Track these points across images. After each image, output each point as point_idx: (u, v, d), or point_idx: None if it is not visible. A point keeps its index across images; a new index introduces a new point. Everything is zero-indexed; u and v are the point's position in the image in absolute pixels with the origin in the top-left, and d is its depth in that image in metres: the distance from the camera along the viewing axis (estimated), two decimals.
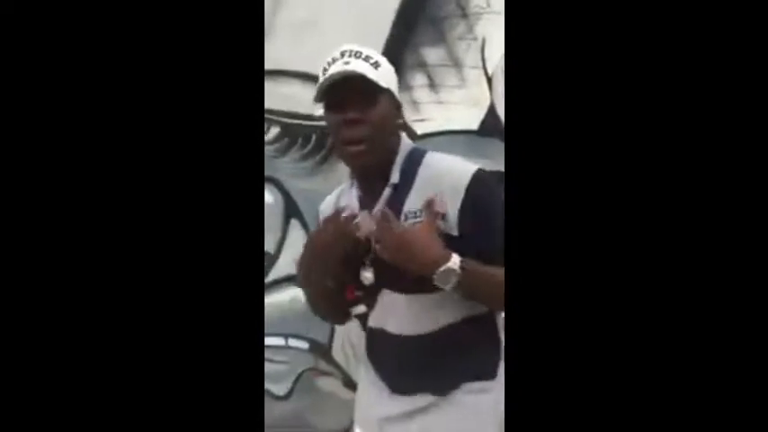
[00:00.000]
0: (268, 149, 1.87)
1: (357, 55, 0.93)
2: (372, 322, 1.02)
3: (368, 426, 1.07)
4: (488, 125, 1.76)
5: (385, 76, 0.93)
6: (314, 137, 1.83)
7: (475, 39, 1.75)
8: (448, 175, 0.94)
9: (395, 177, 0.96)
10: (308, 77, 1.79)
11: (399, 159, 0.97)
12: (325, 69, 0.94)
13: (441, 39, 1.76)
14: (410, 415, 0.99)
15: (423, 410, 0.98)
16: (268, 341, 1.96)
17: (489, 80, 1.76)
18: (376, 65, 0.93)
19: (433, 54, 1.76)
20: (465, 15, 1.75)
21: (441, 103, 1.78)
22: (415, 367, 0.99)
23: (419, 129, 1.79)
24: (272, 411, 2.00)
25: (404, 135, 1.02)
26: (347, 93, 0.91)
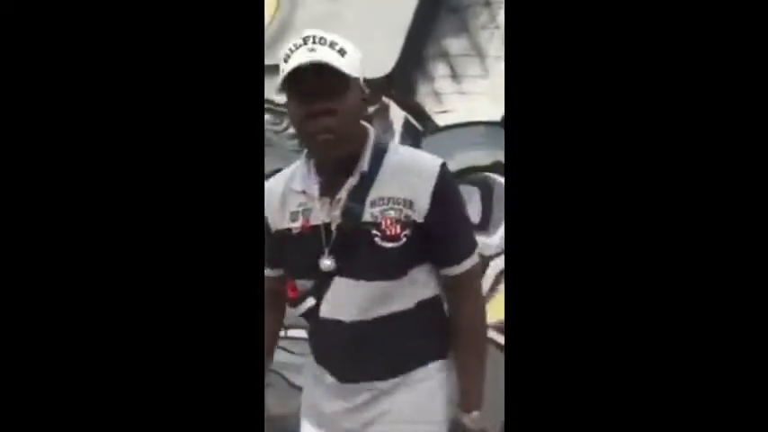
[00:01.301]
0: (290, 144, 1.87)
1: (322, 41, 0.89)
2: (325, 313, 1.00)
3: (321, 422, 1.07)
4: None
5: (352, 63, 0.90)
6: None
7: (498, 27, 1.71)
8: (416, 165, 0.96)
9: (364, 166, 0.96)
10: None
11: (368, 148, 0.97)
12: (287, 56, 0.90)
13: (463, 28, 1.73)
14: (365, 404, 1.00)
15: (377, 398, 1.00)
16: (289, 333, 1.98)
17: None
18: (342, 52, 0.89)
19: (455, 44, 1.73)
20: (488, 4, 1.71)
21: (463, 93, 1.75)
22: (371, 353, 0.99)
23: (441, 120, 1.77)
24: (293, 401, 2.01)
25: (369, 126, 1.01)
26: (314, 82, 0.87)
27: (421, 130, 1.76)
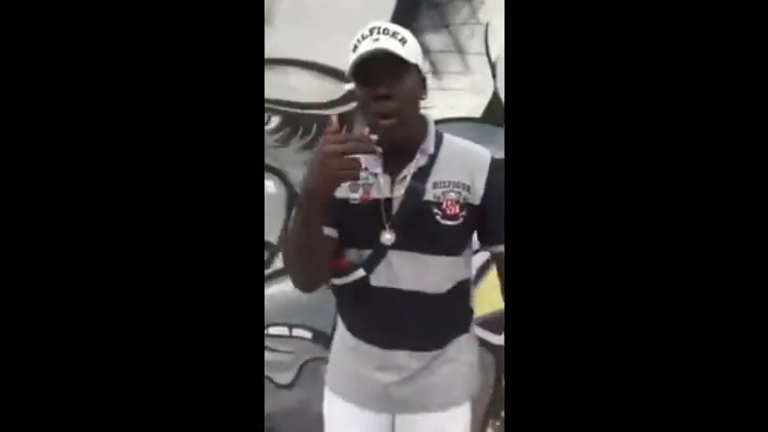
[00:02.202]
0: (269, 139, 1.85)
1: (385, 32, 0.98)
2: (380, 282, 1.07)
3: (356, 394, 1.13)
4: (492, 112, 1.74)
5: (411, 51, 0.99)
6: (315, 126, 1.81)
7: (478, 23, 1.72)
8: (472, 153, 1.09)
9: (430, 148, 1.06)
10: (310, 66, 1.76)
11: (431, 132, 1.08)
12: (355, 47, 0.99)
13: (444, 24, 1.73)
14: (411, 378, 1.09)
15: (421, 371, 1.09)
16: (272, 331, 1.96)
17: (493, 66, 1.74)
18: (403, 41, 0.98)
19: (435, 40, 1.73)
20: None
21: (444, 89, 1.75)
22: (418, 322, 1.08)
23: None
24: (276, 400, 2.00)
25: (428, 113, 1.09)
26: (377, 69, 0.96)
27: None
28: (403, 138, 1.03)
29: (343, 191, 1.05)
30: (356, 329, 1.15)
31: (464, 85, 1.74)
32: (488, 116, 1.75)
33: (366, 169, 1.04)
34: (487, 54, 1.73)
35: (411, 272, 1.06)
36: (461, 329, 1.17)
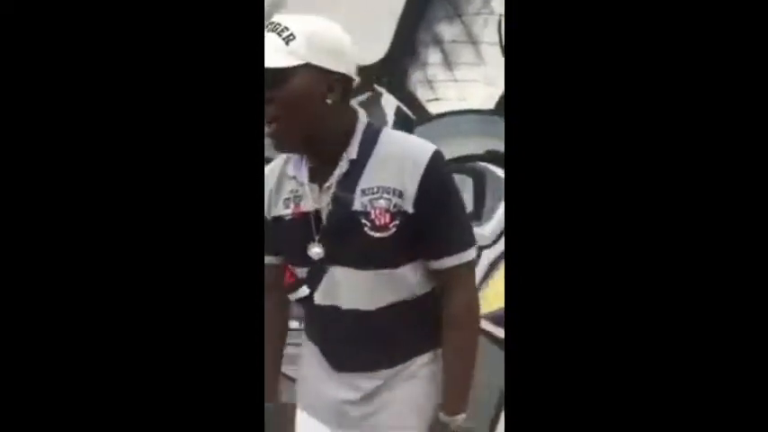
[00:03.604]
0: None
1: (275, 27, 0.88)
2: (321, 300, 0.99)
3: (318, 410, 1.06)
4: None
5: (298, 50, 0.87)
6: None
7: (492, 13, 1.68)
8: (406, 153, 0.93)
9: (353, 153, 0.93)
10: None
11: (357, 134, 0.95)
12: None
13: (457, 14, 1.70)
14: (367, 396, 1.00)
15: (378, 390, 1.00)
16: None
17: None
18: (289, 39, 0.87)
19: (448, 30, 1.70)
20: None
21: (456, 81, 1.72)
22: (366, 343, 0.99)
23: (434, 108, 1.74)
24: (289, 393, 2.01)
25: (360, 110, 0.98)
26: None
27: (413, 119, 1.73)
28: (294, 145, 0.94)
29: (278, 207, 1.00)
30: (315, 339, 1.09)
31: (477, 76, 1.71)
32: (501, 108, 1.71)
33: (295, 178, 0.98)
34: (501, 45, 1.70)
35: (348, 289, 0.96)
36: (422, 347, 1.02)
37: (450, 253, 0.94)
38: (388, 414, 1.00)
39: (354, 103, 1.02)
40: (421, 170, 0.91)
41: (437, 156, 0.93)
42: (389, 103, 1.75)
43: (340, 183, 0.94)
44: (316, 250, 0.95)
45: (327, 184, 0.94)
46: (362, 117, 0.98)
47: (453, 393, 0.98)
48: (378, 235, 0.92)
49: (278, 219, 1.00)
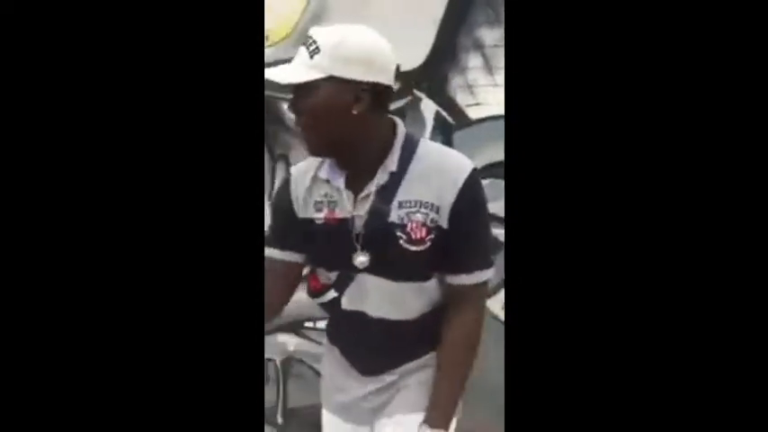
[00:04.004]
0: None
1: (306, 41, 0.90)
2: (349, 305, 1.00)
3: (340, 409, 1.09)
4: None
5: (321, 63, 0.88)
6: None
7: None
8: (445, 168, 0.94)
9: (393, 165, 0.94)
10: None
11: (397, 146, 0.95)
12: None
13: (497, 18, 1.68)
14: (380, 391, 1.03)
15: (394, 381, 1.03)
16: (318, 324, 1.99)
17: None
18: (314, 52, 0.88)
19: (489, 34, 1.69)
20: None
21: (497, 85, 1.71)
22: (393, 350, 1.01)
23: (474, 113, 1.73)
24: (317, 388, 2.03)
25: (399, 121, 0.98)
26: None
27: (452, 124, 1.72)
28: (325, 154, 0.96)
29: (307, 210, 1.00)
30: (339, 344, 1.10)
31: None
32: None
33: (329, 182, 0.97)
34: None
35: (378, 298, 0.97)
36: (425, 352, 1.04)
37: (468, 271, 0.95)
38: (401, 399, 1.03)
39: (393, 107, 1.02)
40: (458, 187, 0.91)
41: (474, 174, 0.94)
42: (429, 107, 1.75)
43: (378, 193, 0.94)
44: (361, 259, 0.95)
45: (364, 194, 0.95)
46: (401, 128, 0.98)
47: (438, 407, 0.98)
48: (413, 248, 0.93)
49: (307, 221, 1.00)
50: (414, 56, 1.70)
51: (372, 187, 0.94)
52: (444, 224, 0.92)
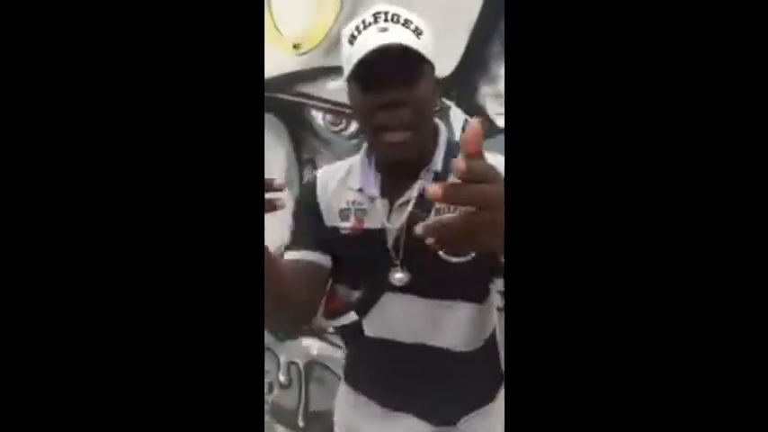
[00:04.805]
0: (348, 144, 1.88)
1: (395, 19, 0.75)
2: (375, 332, 0.86)
3: None
4: None
5: (427, 45, 0.76)
6: None
7: None
8: None
9: (437, 165, 0.82)
10: None
11: (441, 146, 0.84)
12: (353, 37, 0.75)
13: None
14: None
15: None
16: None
17: None
18: (418, 32, 0.75)
19: None
20: None
21: None
22: (423, 383, 0.85)
23: (502, 122, 1.72)
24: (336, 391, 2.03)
25: (440, 121, 0.88)
26: (385, 69, 0.72)
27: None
28: (414, 156, 0.80)
29: (333, 218, 0.88)
30: (356, 381, 0.95)
31: None
32: None
33: (360, 191, 0.85)
34: None
35: (414, 320, 0.83)
36: (485, 400, 0.89)
37: None
38: None
39: None
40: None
41: None
42: (458, 116, 1.74)
43: (418, 200, 0.81)
44: (399, 276, 0.82)
45: (401, 201, 0.82)
46: (443, 128, 0.88)
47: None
48: (455, 260, 0.80)
49: (332, 229, 0.89)
50: (444, 64, 1.70)
51: (414, 193, 0.82)
52: None
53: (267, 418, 2.27)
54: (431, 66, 0.77)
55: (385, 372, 0.88)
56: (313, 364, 2.12)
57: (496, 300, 0.88)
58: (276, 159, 2.07)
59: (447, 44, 1.67)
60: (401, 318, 0.84)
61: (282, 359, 2.21)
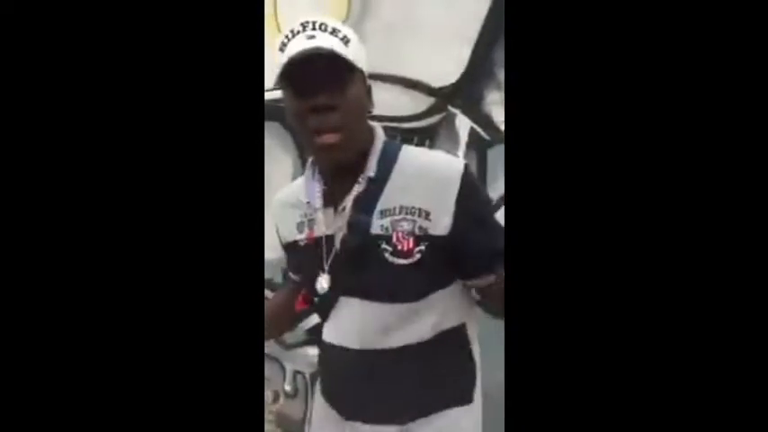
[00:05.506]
0: None
1: (322, 27, 0.78)
2: (328, 336, 0.87)
3: None
4: None
5: (356, 53, 0.79)
6: (415, 139, 1.80)
7: None
8: (434, 170, 0.82)
9: (371, 170, 0.83)
10: (394, 80, 1.77)
11: (376, 151, 0.85)
12: (283, 44, 0.79)
13: None
14: None
15: None
16: None
17: None
18: (345, 40, 0.78)
19: None
20: None
21: None
22: (381, 390, 0.85)
23: None
24: None
25: (377, 126, 0.89)
26: (314, 73, 0.75)
27: (487, 140, 1.71)
28: (348, 160, 0.82)
29: (292, 232, 0.92)
30: (323, 389, 0.97)
31: None
32: None
33: (308, 203, 0.88)
34: None
35: (361, 325, 0.83)
36: (452, 400, 0.88)
37: (491, 270, 0.83)
38: None
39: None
40: (456, 188, 0.79)
41: (468, 170, 0.82)
42: (464, 124, 1.74)
43: (356, 204, 0.83)
44: (321, 283, 0.85)
45: (342, 206, 0.84)
46: (380, 133, 0.89)
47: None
48: (400, 261, 0.80)
49: (292, 245, 0.94)
50: (449, 72, 1.70)
51: (350, 197, 0.83)
52: (437, 231, 0.80)
53: (272, 427, 2.26)
54: (360, 72, 0.81)
55: (341, 379, 0.89)
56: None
57: (455, 289, 0.87)
58: (281, 167, 2.08)
59: (451, 52, 1.68)
60: (349, 322, 0.85)
61: (288, 369, 2.20)
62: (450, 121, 1.75)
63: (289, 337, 2.16)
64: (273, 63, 0.80)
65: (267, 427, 2.25)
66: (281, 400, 2.26)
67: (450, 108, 1.73)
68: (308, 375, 2.15)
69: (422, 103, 1.75)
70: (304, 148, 2.02)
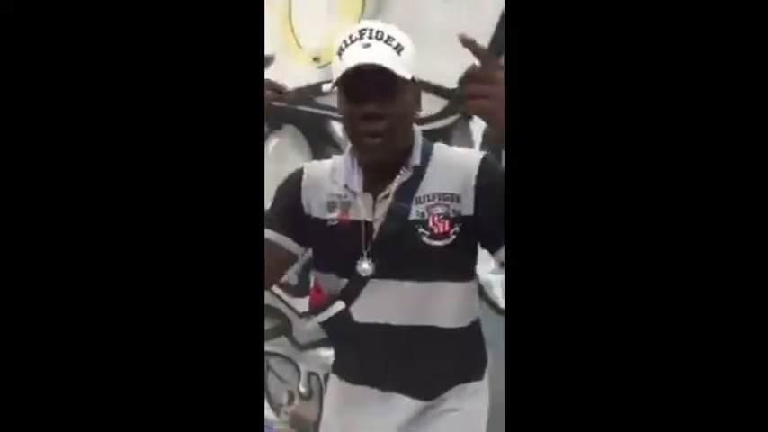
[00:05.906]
0: None
1: (379, 36, 0.84)
2: (362, 317, 0.92)
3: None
4: None
5: (408, 62, 0.85)
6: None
7: None
8: (460, 159, 0.93)
9: (416, 159, 0.92)
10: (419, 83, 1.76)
11: (418, 145, 0.94)
12: (341, 50, 0.86)
13: None
14: (419, 421, 0.94)
15: (408, 425, 0.94)
16: None
17: None
18: (399, 49, 0.84)
19: None
20: None
21: None
22: (416, 363, 0.92)
23: None
24: None
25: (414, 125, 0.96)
26: (366, 83, 0.83)
27: (502, 141, 1.70)
28: (388, 158, 0.91)
29: (320, 210, 0.95)
30: (347, 371, 1.00)
31: None
32: None
33: (346, 186, 0.93)
34: None
35: (399, 302, 0.90)
36: (470, 376, 0.97)
37: (502, 244, 0.88)
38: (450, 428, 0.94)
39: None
40: (475, 170, 0.89)
41: (488, 157, 0.93)
42: (478, 125, 1.73)
43: (397, 193, 0.90)
44: (364, 266, 0.90)
45: (383, 194, 0.91)
46: (419, 130, 0.97)
47: None
48: (437, 243, 0.88)
49: (320, 221, 0.95)
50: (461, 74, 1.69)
51: (394, 186, 0.91)
52: (468, 211, 0.89)
53: (287, 428, 2.27)
54: (409, 81, 0.86)
55: (377, 354, 0.94)
56: None
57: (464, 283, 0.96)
58: (294, 168, 2.09)
59: (466, 54, 1.67)
60: (388, 302, 0.91)
61: (303, 370, 2.21)
62: (464, 123, 1.74)
63: (302, 338, 2.17)
64: (333, 66, 0.88)
65: (282, 427, 2.26)
66: (296, 401, 2.27)
67: (463, 110, 1.73)
68: (322, 376, 2.16)
69: (435, 105, 1.75)
70: (320, 155, 2.03)
